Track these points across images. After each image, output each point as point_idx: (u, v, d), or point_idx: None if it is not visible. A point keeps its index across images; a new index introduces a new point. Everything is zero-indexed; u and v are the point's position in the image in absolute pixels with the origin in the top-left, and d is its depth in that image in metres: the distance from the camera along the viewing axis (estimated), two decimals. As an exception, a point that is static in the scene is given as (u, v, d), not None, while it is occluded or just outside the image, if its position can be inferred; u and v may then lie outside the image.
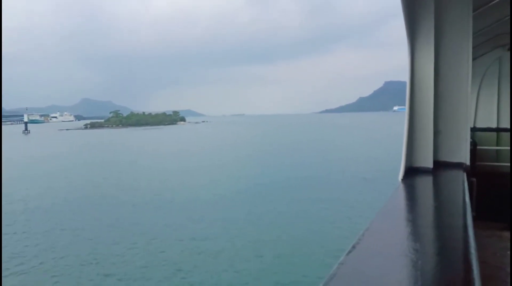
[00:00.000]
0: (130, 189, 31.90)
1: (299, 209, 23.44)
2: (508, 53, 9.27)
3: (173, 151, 62.81)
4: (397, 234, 1.48)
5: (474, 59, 9.53)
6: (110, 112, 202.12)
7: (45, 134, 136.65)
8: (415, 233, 1.53)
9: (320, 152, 54.05)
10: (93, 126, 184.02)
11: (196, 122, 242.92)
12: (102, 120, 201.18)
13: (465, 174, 2.73)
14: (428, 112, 2.78)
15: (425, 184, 2.59)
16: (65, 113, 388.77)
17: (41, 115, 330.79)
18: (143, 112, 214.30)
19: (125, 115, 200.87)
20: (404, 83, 2.85)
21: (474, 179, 6.69)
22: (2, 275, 14.96)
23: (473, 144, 7.75)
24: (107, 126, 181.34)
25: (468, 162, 2.96)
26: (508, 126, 9.33)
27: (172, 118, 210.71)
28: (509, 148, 9.03)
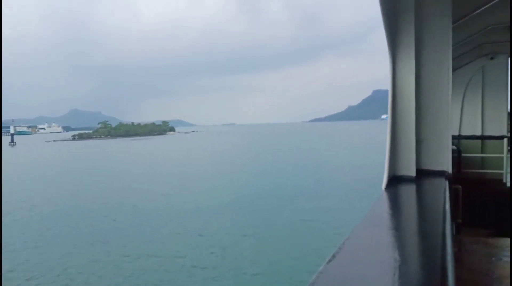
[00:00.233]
0: (106, 200, 31.49)
1: (284, 221, 23.09)
2: (491, 62, 9.46)
3: (158, 162, 62.43)
4: (377, 242, 1.47)
5: (458, 68, 9.69)
6: (99, 123, 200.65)
7: (32, 146, 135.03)
8: (396, 241, 1.54)
9: (307, 162, 53.92)
10: (81, 137, 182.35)
11: (186, 132, 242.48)
12: (91, 131, 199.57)
13: (447, 182, 2.76)
14: (410, 122, 2.81)
15: (408, 192, 2.60)
16: (53, 124, 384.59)
17: (28, 127, 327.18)
18: (132, 123, 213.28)
19: (114, 125, 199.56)
20: None
21: (460, 187, 6.77)
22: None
23: (458, 152, 7.85)
24: (96, 137, 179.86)
25: (450, 170, 3.00)
26: (492, 134, 9.48)
27: (162, 128, 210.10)
28: (494, 155, 9.17)
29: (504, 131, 9.58)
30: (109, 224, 24.25)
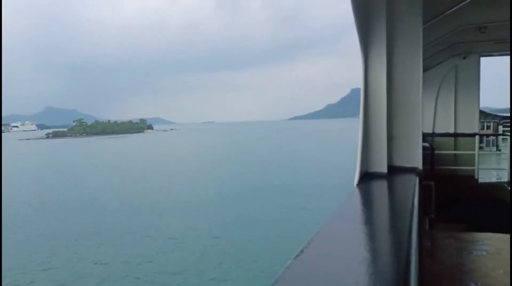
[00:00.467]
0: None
1: (258, 221, 22.74)
2: (464, 61, 9.72)
3: (128, 159, 61.97)
4: (346, 237, 1.49)
5: (431, 67, 9.92)
6: (74, 121, 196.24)
7: (3, 145, 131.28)
8: (364, 236, 1.57)
9: (281, 160, 53.68)
10: (55, 135, 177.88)
11: (164, 130, 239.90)
12: (65, 129, 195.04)
13: (417, 178, 2.81)
14: (381, 119, 2.85)
15: (379, 188, 2.65)
16: (27, 122, 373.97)
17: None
18: (109, 121, 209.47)
19: (90, 123, 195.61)
20: None
21: (433, 183, 6.94)
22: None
23: (431, 149, 8.05)
24: (71, 135, 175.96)
25: (420, 167, 3.06)
26: (465, 131, 9.75)
27: (139, 126, 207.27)
28: (466, 152, 9.45)
29: (476, 129, 9.88)
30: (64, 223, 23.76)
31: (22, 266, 16.64)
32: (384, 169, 2.89)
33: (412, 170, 3.04)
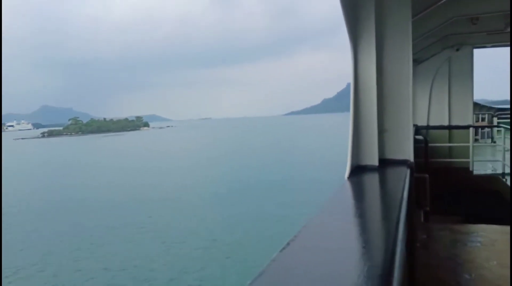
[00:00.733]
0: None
1: (251, 217, 22.33)
2: (457, 53, 9.70)
3: (121, 158, 61.51)
4: (333, 230, 1.48)
5: (425, 59, 9.90)
6: (69, 119, 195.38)
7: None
8: (351, 228, 1.57)
9: (278, 155, 53.17)
10: (50, 134, 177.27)
11: (161, 127, 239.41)
12: (61, 128, 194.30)
13: (409, 170, 2.80)
14: (372, 112, 2.84)
15: (370, 181, 2.63)
16: (23, 121, 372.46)
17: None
18: (104, 118, 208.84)
19: (85, 122, 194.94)
20: None
21: (427, 175, 6.95)
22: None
23: (425, 141, 8.04)
24: (66, 134, 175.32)
25: (412, 159, 3.05)
26: (459, 123, 9.75)
27: (135, 124, 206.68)
28: (460, 144, 9.45)
29: (470, 121, 9.88)
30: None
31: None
32: (375, 162, 2.88)
33: (403, 163, 3.03)
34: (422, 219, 6.15)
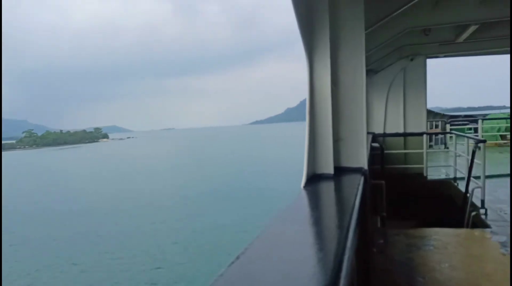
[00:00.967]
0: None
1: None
2: (411, 63, 10.13)
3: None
4: (286, 240, 1.47)
5: (381, 69, 10.26)
6: (23, 132, 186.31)
7: None
8: (303, 238, 1.55)
9: (238, 166, 51.75)
10: (3, 148, 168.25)
11: (121, 139, 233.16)
12: (13, 141, 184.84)
13: (362, 178, 2.85)
14: (327, 121, 2.87)
15: (325, 189, 2.65)
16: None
17: None
18: (61, 131, 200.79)
19: (40, 134, 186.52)
20: None
21: (383, 182, 7.14)
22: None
23: (381, 149, 8.28)
24: (20, 148, 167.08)
25: (366, 167, 3.11)
26: (414, 131, 10.13)
27: (94, 136, 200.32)
28: (415, 151, 9.81)
29: (424, 128, 10.30)
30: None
31: None
32: (330, 170, 2.90)
33: (358, 170, 3.09)
34: (378, 224, 6.30)
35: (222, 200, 28.92)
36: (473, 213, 6.05)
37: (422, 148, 9.56)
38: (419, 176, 9.43)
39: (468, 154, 6.90)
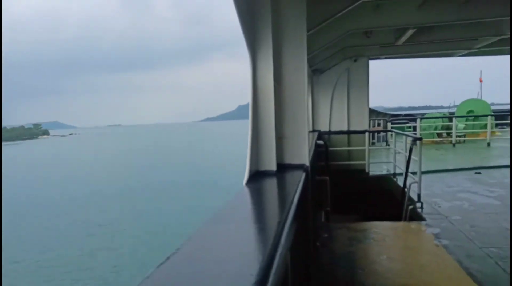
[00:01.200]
0: None
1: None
2: (355, 63, 10.52)
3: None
4: (222, 239, 1.46)
5: (327, 69, 10.57)
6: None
7: None
8: (240, 235, 1.55)
9: (183, 163, 49.55)
10: None
11: (63, 135, 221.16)
12: None
13: (304, 174, 2.92)
14: (270, 119, 2.91)
15: (267, 186, 2.68)
16: None
17: None
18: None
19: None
20: None
21: (327, 178, 7.38)
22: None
23: (326, 146, 8.55)
24: None
25: (307, 163, 3.19)
26: (357, 129, 10.55)
27: (33, 132, 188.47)
28: (358, 147, 10.22)
29: (366, 126, 10.74)
30: None
31: None
32: (273, 167, 2.95)
33: (300, 167, 3.17)
34: (322, 219, 6.50)
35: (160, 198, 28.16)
36: (410, 207, 6.39)
37: (364, 146, 9.98)
38: (362, 172, 9.84)
39: (406, 151, 7.28)
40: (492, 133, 16.59)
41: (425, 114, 22.44)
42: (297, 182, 2.58)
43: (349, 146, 10.45)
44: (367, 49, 10.11)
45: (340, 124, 10.56)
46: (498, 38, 8.34)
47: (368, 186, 9.35)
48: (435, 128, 17.86)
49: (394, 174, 8.95)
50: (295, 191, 2.25)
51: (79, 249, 17.68)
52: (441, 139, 17.19)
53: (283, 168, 3.07)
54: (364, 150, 9.90)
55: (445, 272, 3.89)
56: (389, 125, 16.51)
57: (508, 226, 5.18)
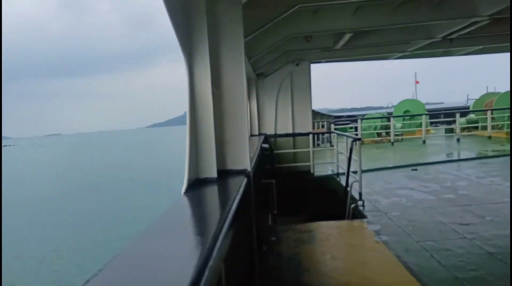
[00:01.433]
0: None
1: None
2: (297, 67, 10.75)
3: None
4: (154, 254, 1.38)
5: (271, 73, 10.70)
6: None
7: None
8: (174, 249, 1.49)
9: (122, 175, 46.46)
10: None
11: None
12: None
13: (246, 179, 2.90)
14: (209, 125, 2.87)
15: (207, 194, 2.63)
16: None
17: None
18: None
19: None
20: None
21: (273, 181, 7.45)
22: None
23: (271, 149, 8.64)
24: None
25: (249, 168, 3.17)
26: (302, 131, 10.77)
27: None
28: (303, 149, 10.44)
29: (310, 128, 11.00)
30: None
31: None
32: (214, 174, 2.89)
33: (242, 172, 3.14)
34: (269, 222, 6.54)
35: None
36: (352, 205, 6.60)
37: (308, 147, 10.22)
38: (307, 173, 10.05)
39: (347, 151, 7.52)
40: (427, 131, 17.72)
41: (366, 114, 23.48)
42: (237, 188, 2.55)
43: (294, 148, 10.64)
44: (308, 53, 10.37)
45: (286, 127, 10.73)
46: (429, 41, 8.89)
47: (313, 186, 9.56)
48: (375, 128, 18.73)
49: (337, 174, 9.23)
50: (234, 199, 2.21)
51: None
52: (380, 138, 18.05)
53: (224, 174, 3.02)
54: (308, 152, 10.13)
55: (385, 268, 4.04)
56: (332, 126, 17.07)
57: (443, 220, 5.50)
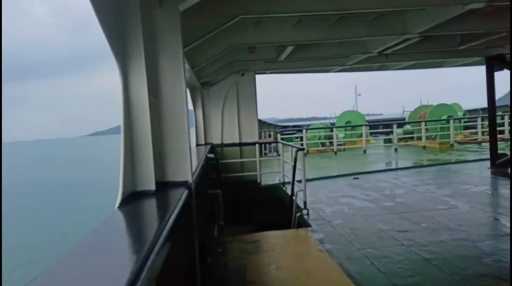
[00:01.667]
0: None
1: None
2: (242, 77, 10.79)
3: None
4: (75, 275, 1.30)
5: (216, 83, 10.65)
6: None
7: None
8: (96, 270, 1.39)
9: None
10: None
11: None
12: None
13: (187, 191, 2.81)
14: (146, 134, 2.75)
15: (145, 208, 2.51)
16: None
17: None
18: None
19: None
20: None
21: (219, 191, 7.37)
22: None
23: (216, 159, 8.56)
24: None
25: (191, 180, 3.09)
26: (248, 140, 10.79)
27: None
28: (249, 159, 10.46)
29: (256, 138, 11.06)
30: None
31: None
32: (152, 186, 2.77)
33: (183, 184, 3.04)
34: (215, 233, 6.43)
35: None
36: (298, 214, 6.69)
37: (255, 157, 10.26)
38: (254, 182, 10.07)
39: (292, 161, 7.63)
40: (367, 141, 18.56)
41: (311, 124, 24.12)
42: (176, 201, 2.46)
43: (241, 158, 10.63)
44: (252, 64, 10.46)
45: (232, 136, 10.70)
46: (366, 55, 9.32)
47: (260, 196, 9.59)
48: (319, 138, 19.26)
49: (284, 183, 9.34)
50: (172, 212, 2.13)
51: None
52: (324, 148, 18.59)
53: (164, 186, 2.91)
54: (255, 161, 10.16)
55: (328, 276, 4.10)
56: (279, 136, 17.33)
57: (382, 227, 5.72)
